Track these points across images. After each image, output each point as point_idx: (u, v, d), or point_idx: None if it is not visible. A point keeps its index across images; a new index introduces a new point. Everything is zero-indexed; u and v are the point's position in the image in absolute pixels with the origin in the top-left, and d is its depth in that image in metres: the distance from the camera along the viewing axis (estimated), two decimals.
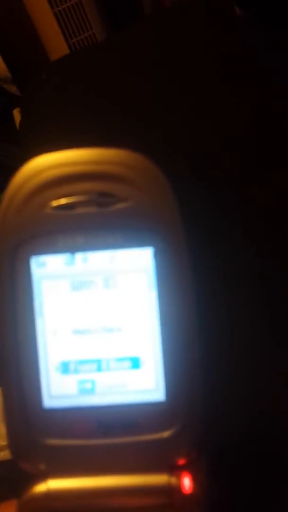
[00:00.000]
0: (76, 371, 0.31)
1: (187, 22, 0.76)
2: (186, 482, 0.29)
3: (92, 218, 0.30)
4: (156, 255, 0.30)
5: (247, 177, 0.49)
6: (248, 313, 0.43)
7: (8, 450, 0.85)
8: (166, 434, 0.30)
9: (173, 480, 0.29)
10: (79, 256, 0.30)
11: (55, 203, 0.30)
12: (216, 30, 0.73)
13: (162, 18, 0.81)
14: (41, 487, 0.30)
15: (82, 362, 0.31)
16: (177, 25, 0.78)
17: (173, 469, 0.30)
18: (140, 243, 0.30)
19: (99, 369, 0.31)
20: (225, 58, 0.70)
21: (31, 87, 0.92)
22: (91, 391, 0.31)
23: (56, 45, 1.07)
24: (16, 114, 1.05)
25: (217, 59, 0.71)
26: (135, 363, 0.30)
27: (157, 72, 0.75)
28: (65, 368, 0.31)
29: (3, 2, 1.04)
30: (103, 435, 0.30)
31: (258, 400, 0.41)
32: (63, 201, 0.30)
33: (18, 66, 1.10)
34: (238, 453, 0.39)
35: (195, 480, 0.30)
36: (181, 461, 0.30)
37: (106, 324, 0.31)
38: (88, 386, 0.31)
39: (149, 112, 0.70)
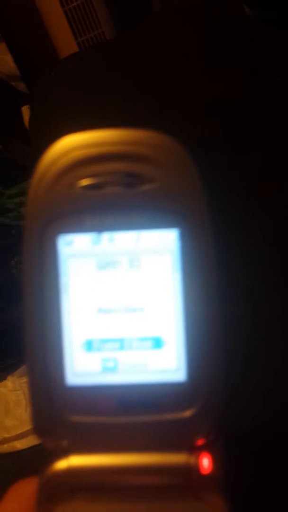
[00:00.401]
0: (99, 349, 0.31)
1: (196, 21, 0.77)
2: (205, 462, 0.30)
3: (119, 199, 0.30)
4: (181, 236, 0.30)
5: (263, 166, 0.49)
6: (265, 299, 0.43)
7: (10, 442, 0.85)
8: (186, 414, 0.30)
9: (192, 459, 0.30)
10: (105, 235, 0.31)
11: (83, 182, 0.30)
12: (225, 28, 0.74)
13: (171, 17, 0.82)
14: (63, 464, 0.30)
15: (106, 340, 0.31)
16: (186, 24, 0.79)
17: (192, 449, 0.30)
18: (166, 224, 0.30)
19: (121, 348, 0.31)
20: (235, 56, 0.71)
21: (40, 84, 0.92)
22: (114, 369, 0.31)
23: (66, 43, 1.07)
24: (25, 111, 1.05)
25: (226, 57, 0.71)
26: (157, 343, 0.31)
27: (166, 68, 0.75)
28: (88, 346, 0.31)
29: (15, 0, 1.05)
30: (124, 413, 0.31)
31: (274, 382, 0.41)
32: (91, 181, 0.30)
33: (26, 64, 1.11)
34: (254, 434, 0.40)
35: (213, 460, 0.30)
36: (200, 441, 0.30)
37: (130, 304, 0.31)
38: (111, 364, 0.31)
39: (160, 108, 0.71)
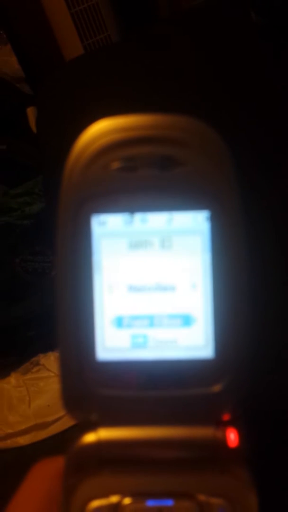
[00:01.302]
0: (129, 325, 0.32)
1: (203, 26, 0.79)
2: (232, 436, 0.31)
3: (152, 180, 0.31)
4: (212, 218, 0.31)
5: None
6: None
7: (14, 438, 0.85)
8: (213, 389, 0.31)
9: (218, 433, 0.31)
10: (138, 216, 0.32)
11: (117, 164, 0.31)
12: (230, 35, 0.76)
13: (176, 22, 0.83)
14: (91, 437, 0.31)
15: (136, 317, 0.32)
16: (192, 29, 0.80)
17: (219, 424, 0.31)
18: (197, 206, 0.31)
19: (151, 324, 0.32)
20: (240, 62, 0.73)
21: (47, 85, 0.93)
22: (143, 345, 0.32)
23: (72, 45, 1.09)
24: (29, 113, 1.06)
25: (231, 62, 0.73)
26: (186, 320, 0.32)
27: (171, 73, 0.77)
28: (119, 322, 0.32)
29: (21, 2, 1.06)
30: (153, 388, 0.31)
31: None
32: (125, 163, 0.31)
33: (32, 66, 1.12)
34: (279, 409, 0.40)
35: (239, 434, 0.31)
36: (227, 416, 0.31)
37: (160, 283, 0.32)
38: (140, 340, 0.32)
39: (163, 111, 0.71)
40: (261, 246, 0.47)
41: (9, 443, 0.92)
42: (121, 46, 0.95)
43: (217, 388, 0.31)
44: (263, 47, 0.70)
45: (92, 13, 1.05)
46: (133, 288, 0.32)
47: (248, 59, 0.71)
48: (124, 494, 0.30)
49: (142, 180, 0.31)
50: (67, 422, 0.92)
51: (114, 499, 0.30)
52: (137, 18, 0.98)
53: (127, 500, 0.30)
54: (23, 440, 0.93)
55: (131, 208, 0.32)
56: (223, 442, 0.30)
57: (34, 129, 1.03)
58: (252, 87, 0.68)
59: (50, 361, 1.02)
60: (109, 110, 0.32)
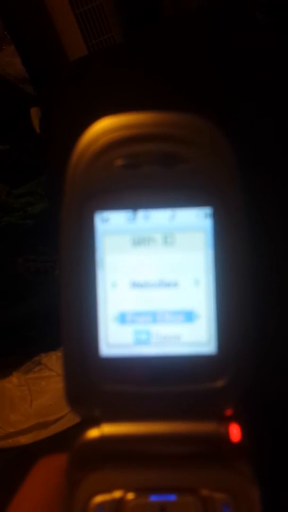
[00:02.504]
0: (132, 321, 0.32)
1: (207, 26, 0.79)
2: (234, 431, 0.31)
3: (155, 178, 0.32)
4: (214, 214, 0.31)
5: None
6: None
7: (15, 437, 0.85)
8: (216, 384, 0.31)
9: (221, 428, 0.31)
10: (141, 213, 0.32)
11: (121, 162, 0.32)
12: (235, 34, 0.76)
13: (180, 22, 0.84)
14: (95, 432, 0.31)
15: (139, 313, 0.32)
16: (196, 29, 0.80)
17: (222, 419, 0.31)
18: (200, 202, 0.32)
19: (154, 320, 0.32)
20: (244, 62, 0.73)
21: (50, 85, 0.94)
22: (146, 341, 0.32)
23: (75, 46, 1.09)
24: (33, 113, 1.06)
25: (236, 62, 0.73)
26: (189, 316, 0.32)
27: (174, 74, 0.77)
28: (122, 318, 0.32)
29: (25, 3, 1.06)
30: (156, 383, 0.31)
31: None
32: (128, 160, 0.32)
33: (35, 66, 1.12)
34: (280, 404, 0.41)
35: (242, 429, 0.31)
36: (230, 411, 0.31)
37: (163, 279, 0.32)
38: (143, 336, 0.32)
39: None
40: (272, 240, 0.47)
41: (10, 442, 0.92)
42: (125, 47, 0.95)
43: (220, 383, 0.31)
44: (268, 46, 0.70)
45: (96, 14, 1.05)
46: (136, 285, 0.32)
47: (252, 59, 0.71)
48: (127, 489, 0.31)
49: (145, 177, 0.31)
50: (68, 421, 0.92)
51: (117, 494, 0.30)
52: (141, 19, 0.99)
53: (130, 495, 0.30)
54: (25, 439, 0.93)
55: (134, 205, 0.32)
56: (226, 437, 0.30)
57: (37, 129, 1.04)
58: (255, 86, 0.69)
59: (52, 361, 1.02)
60: (113, 111, 0.32)
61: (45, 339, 0.97)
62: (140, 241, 0.32)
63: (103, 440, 0.31)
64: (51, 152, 0.84)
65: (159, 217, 0.32)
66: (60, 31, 1.09)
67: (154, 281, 0.32)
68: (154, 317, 0.32)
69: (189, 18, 0.82)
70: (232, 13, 0.75)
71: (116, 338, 0.32)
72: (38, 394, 0.99)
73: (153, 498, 0.30)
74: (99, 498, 0.30)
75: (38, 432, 0.94)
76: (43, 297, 0.97)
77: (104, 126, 0.32)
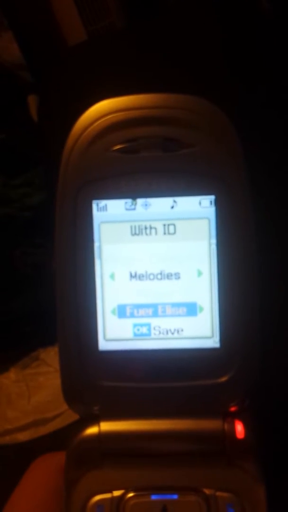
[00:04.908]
0: (132, 315, 0.31)
1: (209, 14, 0.77)
2: (239, 428, 0.30)
3: (156, 163, 0.30)
4: (218, 202, 0.30)
5: None
6: None
7: (12, 434, 0.84)
8: (219, 380, 0.30)
9: (226, 425, 0.30)
10: (140, 201, 0.31)
11: (119, 146, 0.30)
12: (239, 22, 0.74)
13: (183, 8, 0.82)
14: (93, 429, 0.30)
15: (139, 306, 0.31)
16: (198, 16, 0.79)
17: (226, 415, 0.30)
18: (203, 190, 0.30)
19: (155, 314, 0.31)
20: (248, 51, 0.71)
21: (49, 72, 0.92)
22: (147, 335, 0.31)
23: (75, 32, 1.07)
24: (31, 101, 1.04)
25: (240, 51, 0.71)
26: (192, 309, 0.31)
27: (178, 61, 0.75)
28: (121, 311, 0.31)
29: None
30: (157, 379, 0.30)
31: None
32: (127, 144, 0.30)
33: (33, 52, 1.10)
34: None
35: (247, 426, 0.30)
36: (234, 408, 0.30)
37: (164, 270, 0.31)
38: (144, 330, 0.31)
39: None
40: (278, 229, 0.45)
41: (8, 439, 0.91)
42: (126, 33, 0.93)
43: (223, 379, 0.30)
44: (274, 34, 0.69)
45: None
46: (135, 276, 0.31)
47: (257, 48, 0.70)
48: (127, 488, 0.30)
49: (144, 163, 0.30)
50: (67, 418, 0.90)
51: (117, 493, 0.30)
52: (143, 3, 0.97)
53: (130, 494, 0.30)
54: (22, 436, 0.92)
55: (133, 193, 0.30)
56: (231, 434, 0.29)
57: (35, 117, 1.02)
58: (260, 77, 0.67)
59: (50, 356, 1.00)
60: (111, 93, 0.30)
61: (43, 334, 0.96)
62: (140, 230, 0.31)
63: (102, 438, 0.30)
64: (49, 141, 0.82)
65: (159, 205, 0.31)
66: (58, 16, 1.07)
67: (154, 272, 0.31)
68: (155, 310, 0.31)
69: (190, 5, 0.80)
70: (236, 1, 0.73)
71: (115, 332, 0.31)
72: (36, 390, 0.97)
73: (154, 497, 0.30)
74: (98, 497, 0.30)
75: (37, 429, 0.92)
76: (41, 291, 0.95)
77: (100, 108, 0.31)
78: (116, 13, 1.03)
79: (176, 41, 0.76)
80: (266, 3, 0.69)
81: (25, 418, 0.94)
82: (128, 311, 0.31)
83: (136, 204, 0.31)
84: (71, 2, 1.05)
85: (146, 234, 0.31)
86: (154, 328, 0.31)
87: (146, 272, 0.31)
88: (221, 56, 0.70)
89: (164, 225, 0.31)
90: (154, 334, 0.31)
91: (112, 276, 0.31)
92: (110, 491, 0.30)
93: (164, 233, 0.31)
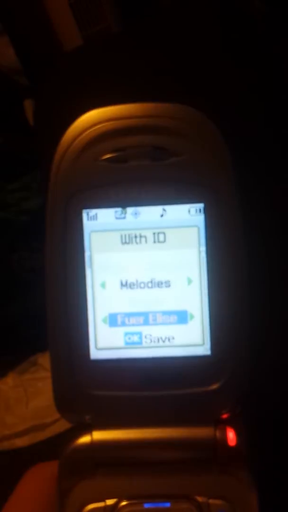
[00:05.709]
0: (123, 323, 0.31)
1: (204, 14, 0.77)
2: (231, 435, 0.30)
3: (145, 172, 0.30)
4: (207, 210, 0.30)
5: None
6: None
7: (10, 440, 0.84)
8: (211, 388, 0.30)
9: (218, 433, 0.30)
10: (130, 210, 0.31)
11: (108, 155, 0.30)
12: (233, 25, 0.74)
13: (178, 10, 0.82)
14: (86, 439, 0.30)
15: (130, 314, 0.31)
16: (194, 18, 0.78)
17: (218, 423, 0.30)
18: (192, 198, 0.30)
19: (146, 322, 0.31)
20: (244, 56, 0.71)
21: (45, 76, 0.92)
22: (138, 343, 0.31)
23: (70, 36, 1.07)
24: (27, 105, 1.05)
25: (231, 51, 0.71)
26: (182, 317, 0.31)
27: (170, 63, 0.75)
28: (112, 320, 0.31)
29: None
30: (149, 388, 0.30)
31: None
32: (116, 154, 0.30)
33: (29, 57, 1.10)
34: (277, 406, 0.39)
35: (239, 433, 0.30)
36: (226, 415, 0.30)
37: (155, 278, 0.31)
38: (135, 338, 0.31)
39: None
40: (265, 239, 0.46)
41: (5, 445, 0.91)
42: (121, 38, 0.93)
43: (215, 386, 0.30)
44: (266, 37, 0.69)
45: (91, 2, 1.03)
46: (126, 285, 0.31)
47: (251, 52, 0.70)
48: (120, 497, 0.30)
49: (134, 172, 0.30)
50: (66, 423, 0.90)
51: (110, 502, 0.30)
52: (138, 8, 0.97)
53: (123, 503, 0.30)
54: (21, 442, 0.91)
55: (122, 202, 0.31)
56: (222, 442, 0.30)
57: (31, 122, 1.02)
58: (256, 80, 0.67)
59: (48, 361, 1.00)
60: (108, 103, 0.30)
61: (40, 339, 0.95)
62: (130, 239, 0.31)
63: (94, 447, 0.30)
64: (45, 146, 0.82)
65: (149, 214, 0.31)
66: (54, 21, 1.07)
67: (145, 281, 0.31)
68: (146, 318, 0.31)
69: (186, 7, 0.80)
70: (229, 3, 0.73)
71: (106, 341, 0.31)
72: (35, 395, 0.97)
73: (147, 505, 0.30)
74: (91, 506, 0.30)
75: (35, 434, 0.92)
76: (39, 296, 0.95)
77: (89, 118, 0.31)
78: (112, 17, 1.03)
79: (172, 44, 0.76)
80: (259, 4, 0.69)
81: (24, 423, 0.93)
82: (119, 319, 0.31)
83: (126, 213, 0.31)
84: (66, 7, 1.05)
85: (136, 242, 0.31)
86: (145, 337, 0.31)
87: (136, 280, 0.31)
88: (218, 60, 0.70)
89: (154, 233, 0.31)
90: (146, 342, 0.31)
91: (103, 285, 0.31)
92: (103, 499, 0.30)
93: (154, 242, 0.31)
